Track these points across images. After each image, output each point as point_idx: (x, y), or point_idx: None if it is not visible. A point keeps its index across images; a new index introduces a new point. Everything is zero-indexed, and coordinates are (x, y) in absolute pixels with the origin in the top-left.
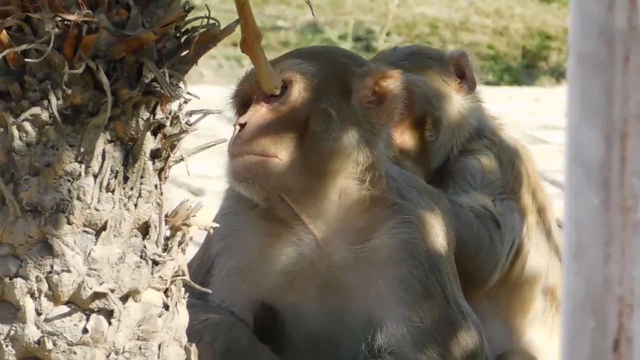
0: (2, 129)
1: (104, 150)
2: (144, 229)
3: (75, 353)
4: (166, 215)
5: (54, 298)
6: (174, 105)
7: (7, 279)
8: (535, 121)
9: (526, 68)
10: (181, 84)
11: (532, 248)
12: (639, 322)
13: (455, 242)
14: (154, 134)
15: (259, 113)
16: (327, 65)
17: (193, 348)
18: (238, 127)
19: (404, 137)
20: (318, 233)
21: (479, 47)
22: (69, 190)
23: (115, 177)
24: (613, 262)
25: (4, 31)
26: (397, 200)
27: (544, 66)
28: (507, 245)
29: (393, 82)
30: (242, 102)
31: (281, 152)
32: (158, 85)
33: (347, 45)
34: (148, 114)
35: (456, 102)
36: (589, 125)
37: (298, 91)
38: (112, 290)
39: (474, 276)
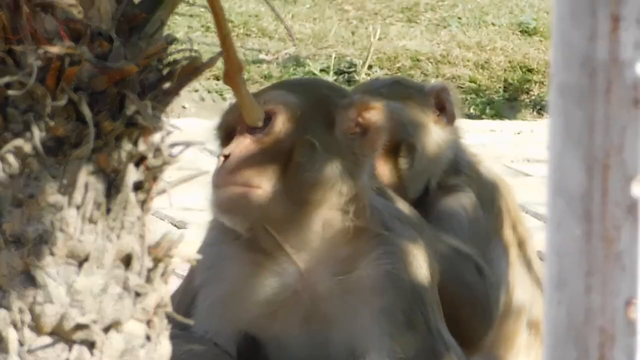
0: None
1: (86, 182)
2: (127, 260)
3: None
4: (149, 247)
5: (37, 329)
6: (156, 137)
7: None
8: (517, 154)
9: (508, 101)
10: (163, 116)
11: (516, 282)
12: (620, 353)
13: (451, 297)
14: (137, 165)
15: (243, 144)
16: (310, 96)
17: None
18: (222, 158)
19: (379, 164)
20: (301, 263)
21: (461, 80)
22: (52, 222)
23: (98, 208)
24: (595, 293)
25: None
26: (380, 231)
27: (526, 99)
28: (501, 301)
29: (376, 113)
30: (227, 133)
31: (265, 183)
32: (140, 117)
33: (329, 78)
34: (131, 146)
35: (434, 133)
36: (570, 156)
37: (282, 122)
38: (95, 322)
39: (470, 335)
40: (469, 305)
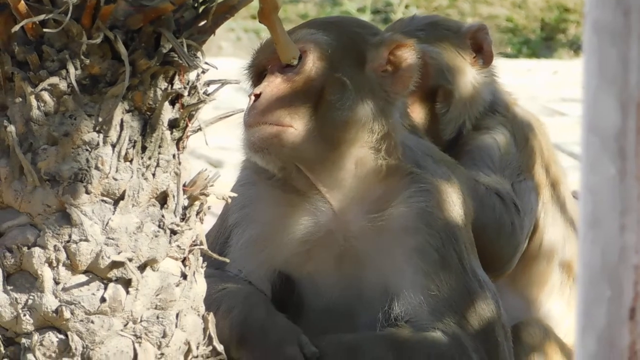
0: (20, 99)
1: (122, 120)
2: (162, 199)
3: (93, 322)
4: (184, 185)
5: (72, 267)
6: (192, 76)
7: (25, 248)
8: (553, 94)
9: (545, 41)
10: (199, 54)
11: (548, 223)
12: None
13: (476, 225)
14: (172, 103)
15: (274, 83)
16: (341, 34)
17: (211, 317)
18: (253, 98)
19: (415, 108)
20: (335, 203)
21: (497, 20)
22: (87, 160)
23: (134, 146)
24: (629, 232)
25: (22, 1)
26: (413, 169)
27: (563, 39)
28: (527, 230)
29: (408, 51)
30: (258, 72)
31: (296, 122)
32: (176, 55)
33: (365, 17)
34: (166, 84)
35: (470, 76)
36: (605, 95)
37: (312, 61)
38: (130, 260)
39: (493, 262)
40: (493, 230)
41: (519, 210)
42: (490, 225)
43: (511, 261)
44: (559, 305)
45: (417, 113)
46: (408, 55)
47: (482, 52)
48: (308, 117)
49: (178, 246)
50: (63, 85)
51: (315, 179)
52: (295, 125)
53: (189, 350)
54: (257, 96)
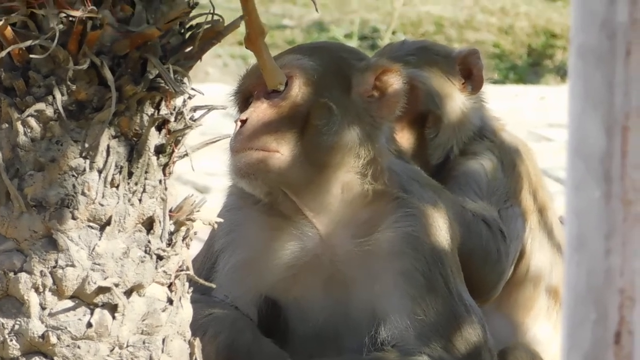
0: (7, 125)
1: (108, 146)
2: (149, 224)
3: (79, 347)
4: (170, 211)
5: (59, 292)
6: (178, 101)
7: (11, 274)
8: (540, 119)
9: (531, 66)
10: (185, 80)
11: (535, 248)
12: None
13: (463, 252)
14: (159, 129)
15: (260, 109)
16: (327, 59)
17: (197, 342)
18: (239, 123)
19: (404, 133)
20: (321, 227)
21: (484, 46)
22: (74, 186)
23: (120, 172)
24: (614, 255)
25: (9, 27)
26: (399, 194)
27: (550, 64)
28: (512, 257)
29: (394, 76)
30: (244, 98)
31: (282, 147)
32: (162, 81)
33: (352, 43)
34: (152, 110)
35: (459, 101)
36: (590, 118)
37: (298, 86)
38: (117, 285)
39: (479, 288)
40: (479, 257)
41: (505, 237)
42: (477, 252)
43: (496, 287)
44: (546, 330)
45: (406, 137)
46: (394, 80)
47: (471, 77)
48: (294, 142)
49: (164, 271)
50: (49, 111)
51: (301, 204)
52: (281, 151)
53: None
54: (244, 122)
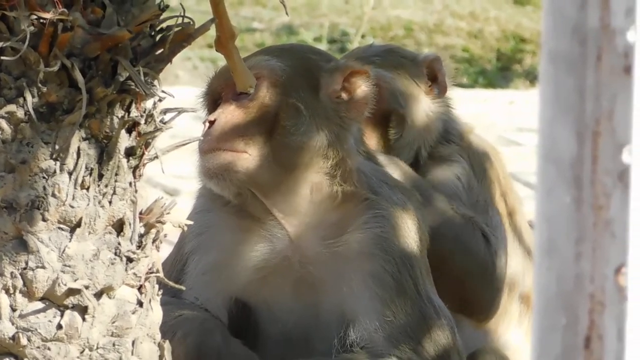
0: None
1: (78, 148)
2: (119, 226)
3: (49, 349)
4: (140, 213)
5: (29, 294)
6: (148, 104)
7: None
8: (509, 123)
9: (501, 71)
10: (156, 82)
11: (509, 254)
12: (610, 320)
13: (457, 268)
14: (129, 131)
15: (228, 110)
16: (295, 60)
17: (167, 345)
18: (208, 124)
19: (368, 132)
20: (290, 228)
21: (453, 50)
22: (44, 187)
23: (90, 174)
24: (584, 260)
25: None
26: (369, 195)
27: (519, 69)
28: (505, 269)
29: (362, 78)
30: (213, 100)
31: (250, 148)
32: (133, 84)
33: (322, 46)
34: (123, 112)
35: (424, 103)
36: (561, 124)
37: (266, 87)
38: (87, 287)
39: (476, 307)
40: (478, 275)
41: (496, 249)
42: (473, 267)
43: (494, 304)
44: (517, 336)
45: (371, 138)
46: (362, 81)
47: (437, 82)
48: (262, 143)
49: (134, 274)
50: (20, 113)
51: (270, 205)
52: (249, 151)
53: None
54: (212, 123)
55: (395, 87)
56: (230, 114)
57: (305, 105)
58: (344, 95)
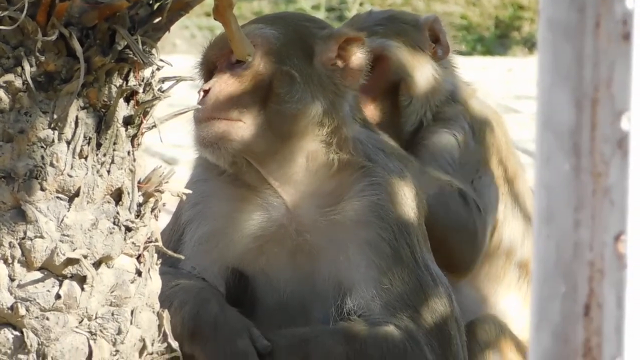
0: None
1: (77, 117)
2: (117, 196)
3: (48, 319)
4: (139, 182)
5: (27, 264)
6: (146, 73)
7: None
8: (507, 91)
9: (499, 38)
10: (154, 51)
11: (507, 220)
12: (609, 287)
13: (439, 227)
14: (127, 100)
15: (223, 79)
16: (289, 28)
17: (165, 314)
18: (202, 94)
19: (377, 103)
20: (287, 197)
21: (451, 17)
22: (42, 157)
23: (88, 143)
24: (583, 228)
25: None
26: (365, 162)
27: (517, 36)
28: (488, 229)
29: (357, 45)
30: (208, 69)
31: (245, 116)
32: (131, 52)
33: (320, 15)
34: (121, 81)
35: (430, 67)
36: (559, 91)
37: (260, 55)
38: (85, 256)
39: (456, 264)
40: (456, 232)
41: (479, 209)
42: (454, 227)
43: (473, 262)
44: (515, 302)
45: (380, 107)
46: (357, 48)
47: (439, 43)
48: (257, 111)
49: (133, 243)
50: (18, 82)
51: (266, 174)
52: (244, 120)
53: (143, 347)
54: (206, 92)
55: (401, 56)
56: (224, 83)
57: (299, 72)
58: (339, 63)
